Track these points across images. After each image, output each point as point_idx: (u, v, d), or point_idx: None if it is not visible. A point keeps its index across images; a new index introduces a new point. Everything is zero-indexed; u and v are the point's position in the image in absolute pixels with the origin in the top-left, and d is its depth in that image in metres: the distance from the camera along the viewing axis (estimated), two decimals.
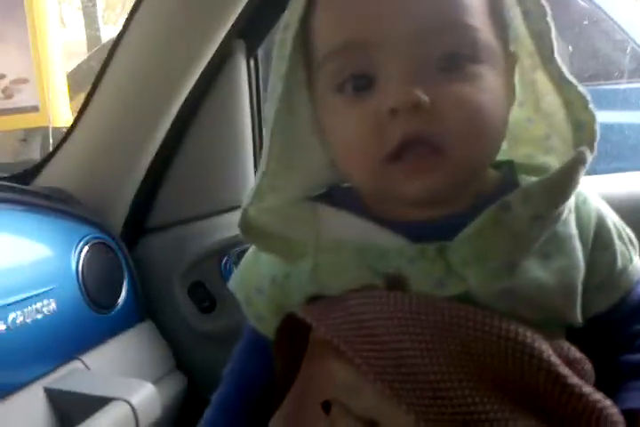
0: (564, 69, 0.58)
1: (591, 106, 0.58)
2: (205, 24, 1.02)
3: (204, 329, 1.17)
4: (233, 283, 0.74)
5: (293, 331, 0.65)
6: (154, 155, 1.14)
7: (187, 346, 1.18)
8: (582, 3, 2.97)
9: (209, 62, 1.07)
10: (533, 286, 0.57)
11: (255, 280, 0.70)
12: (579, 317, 0.60)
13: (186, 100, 1.10)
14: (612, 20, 3.00)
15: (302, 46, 0.62)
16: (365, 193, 0.64)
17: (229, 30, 1.04)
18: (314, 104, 0.64)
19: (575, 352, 0.57)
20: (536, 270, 0.58)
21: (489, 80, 0.57)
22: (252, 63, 1.15)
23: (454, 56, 0.55)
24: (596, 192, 0.66)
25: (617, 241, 0.63)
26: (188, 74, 1.06)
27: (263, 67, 1.20)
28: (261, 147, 1.18)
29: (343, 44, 0.57)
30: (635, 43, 2.97)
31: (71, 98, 3.97)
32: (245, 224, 0.64)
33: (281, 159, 0.63)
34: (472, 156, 0.57)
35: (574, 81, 0.59)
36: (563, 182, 0.57)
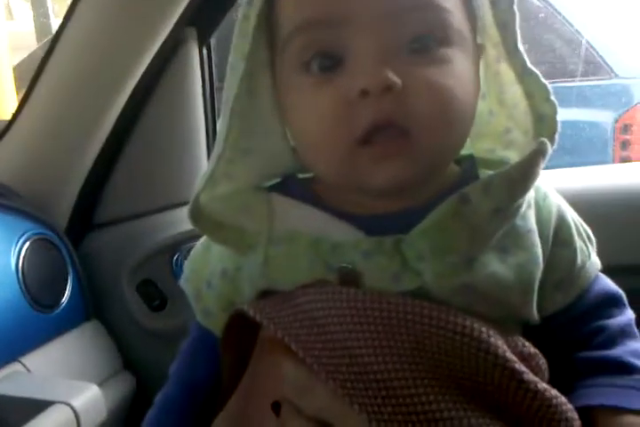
0: (527, 60, 0.57)
1: (552, 97, 0.57)
2: (155, 11, 0.98)
3: (153, 328, 1.13)
4: (182, 277, 0.71)
5: (242, 328, 0.63)
6: (101, 147, 1.10)
7: (135, 345, 1.14)
8: (536, 2, 3.02)
9: (160, 50, 1.03)
10: (491, 282, 0.56)
11: (205, 273, 0.67)
12: (535, 314, 0.59)
13: (136, 89, 1.07)
14: (565, 20, 3.06)
15: (266, 24, 0.58)
16: (328, 182, 0.61)
17: (180, 18, 1.00)
18: (277, 86, 0.60)
19: (530, 348, 0.56)
20: (494, 265, 0.56)
21: (459, 65, 0.55)
22: (204, 51, 1.11)
23: (425, 37, 0.53)
24: (551, 186, 0.65)
25: (576, 238, 0.63)
26: (137, 63, 1.02)
27: (216, 55, 1.16)
28: (215, 138, 1.16)
29: (310, 19, 0.54)
30: (588, 43, 3.03)
31: (18, 91, 3.87)
32: (196, 212, 0.61)
33: (237, 145, 0.60)
34: (441, 142, 0.55)
35: (536, 72, 0.57)
36: (523, 174, 0.56)
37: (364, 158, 0.54)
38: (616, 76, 3.08)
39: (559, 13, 3.09)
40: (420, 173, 0.55)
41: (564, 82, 3.15)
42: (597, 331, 0.60)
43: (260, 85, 0.60)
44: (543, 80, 0.58)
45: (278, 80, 0.59)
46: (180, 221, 1.12)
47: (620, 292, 0.64)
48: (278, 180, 0.67)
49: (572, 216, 0.64)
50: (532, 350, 0.56)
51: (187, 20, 1.02)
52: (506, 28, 0.57)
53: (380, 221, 0.58)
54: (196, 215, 0.61)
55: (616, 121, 3.04)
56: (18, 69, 4.09)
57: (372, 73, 0.51)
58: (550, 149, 0.56)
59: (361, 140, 0.53)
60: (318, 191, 0.62)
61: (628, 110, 3.07)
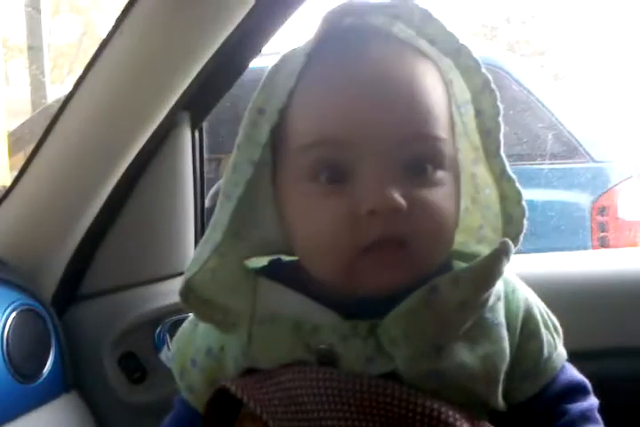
0: (507, 165, 0.63)
1: (523, 202, 0.63)
2: (154, 95, 1.04)
3: (133, 401, 1.13)
4: (169, 354, 0.74)
5: (224, 404, 0.65)
6: (92, 221, 1.13)
7: (114, 418, 1.14)
8: (514, 86, 3.16)
9: (154, 132, 1.08)
10: (459, 370, 0.59)
11: (191, 352, 0.70)
12: (500, 402, 0.62)
13: (129, 167, 1.11)
14: (545, 107, 3.19)
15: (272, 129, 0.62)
16: (322, 280, 0.64)
17: (176, 102, 1.06)
18: (277, 187, 0.64)
19: None
20: (462, 355, 0.60)
21: (449, 186, 0.61)
22: (196, 134, 1.17)
23: (423, 164, 0.60)
24: (516, 271, 0.69)
25: (543, 330, 0.66)
26: (133, 141, 1.07)
27: (208, 138, 1.22)
28: (202, 217, 1.20)
29: (324, 138, 0.59)
30: (562, 125, 3.16)
31: (11, 156, 3.93)
32: (186, 290, 0.64)
33: (229, 228, 0.63)
34: (435, 253, 0.61)
35: (514, 177, 0.63)
36: (487, 270, 0.60)
37: (365, 266, 0.59)
38: (592, 160, 3.20)
39: (539, 101, 3.24)
40: (414, 279, 0.60)
41: (545, 164, 3.27)
42: (559, 415, 0.63)
43: (259, 181, 0.64)
44: (518, 185, 0.63)
45: (282, 180, 0.64)
46: (163, 294, 1.14)
47: (585, 381, 0.67)
48: (264, 262, 0.70)
49: (540, 308, 0.68)
50: None
51: (182, 104, 1.07)
52: (489, 134, 0.63)
53: (356, 305, 0.62)
54: (185, 293, 0.64)
55: (593, 203, 3.14)
56: (12, 136, 4.17)
57: (380, 195, 0.57)
58: (512, 250, 0.61)
59: (364, 250, 0.58)
60: (302, 275, 0.66)
61: (604, 193, 3.17)
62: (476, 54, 0.63)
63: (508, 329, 0.63)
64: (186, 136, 1.14)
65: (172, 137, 1.12)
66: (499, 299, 0.64)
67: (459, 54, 0.62)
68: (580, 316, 1.03)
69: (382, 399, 0.57)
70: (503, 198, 0.63)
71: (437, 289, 0.59)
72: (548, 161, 3.23)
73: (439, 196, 0.60)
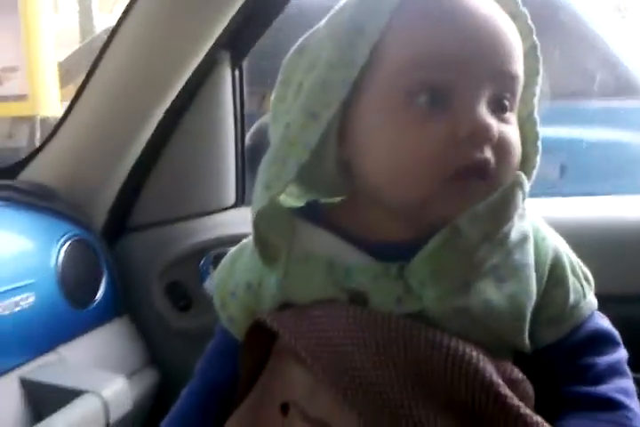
0: (535, 110, 0.66)
1: (539, 143, 0.66)
2: (194, 34, 1.06)
3: (179, 327, 1.21)
4: (212, 286, 0.78)
5: (261, 335, 0.69)
6: (138, 156, 1.18)
7: (162, 343, 1.22)
8: (571, 19, 3.03)
9: (195, 70, 1.11)
10: (485, 308, 0.61)
11: (231, 285, 0.74)
12: (527, 343, 0.64)
13: (172, 104, 1.14)
14: (598, 36, 3.06)
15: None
16: (392, 207, 0.64)
17: (215, 41, 1.07)
18: (350, 117, 0.63)
19: (519, 374, 0.61)
20: (489, 292, 0.62)
21: (515, 126, 0.64)
22: (236, 73, 1.18)
23: (503, 100, 0.62)
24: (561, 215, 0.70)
25: (571, 278, 0.67)
26: (175, 79, 1.10)
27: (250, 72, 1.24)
28: (242, 155, 1.23)
29: (429, 57, 0.59)
30: (620, 61, 3.03)
31: (62, 87, 3.97)
32: (259, 213, 0.65)
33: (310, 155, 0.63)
34: (504, 184, 0.63)
35: (536, 119, 0.66)
36: (503, 204, 0.62)
37: (449, 192, 0.60)
38: None
39: (597, 34, 3.10)
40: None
41: (600, 102, 3.16)
42: (586, 367, 0.64)
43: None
44: (538, 128, 0.66)
45: (363, 109, 0.62)
46: (207, 228, 1.20)
47: (614, 332, 0.68)
48: (301, 203, 0.73)
49: (570, 257, 0.69)
50: (521, 376, 0.61)
51: (221, 43, 1.09)
52: (526, 89, 0.65)
53: (386, 248, 0.64)
54: (258, 217, 0.65)
55: None
56: (62, 67, 4.20)
57: (483, 121, 0.59)
58: (527, 183, 0.64)
59: (454, 175, 0.59)
60: (337, 217, 0.68)
61: None
62: (530, 22, 0.66)
63: (536, 274, 0.65)
64: (226, 75, 1.16)
65: (212, 76, 1.14)
66: (526, 240, 0.65)
67: (517, 19, 0.65)
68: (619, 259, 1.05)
69: (409, 338, 0.60)
70: (524, 139, 0.65)
71: (458, 228, 0.61)
72: (603, 98, 3.12)
73: (514, 134, 0.62)
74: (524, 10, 0.66)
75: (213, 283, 0.77)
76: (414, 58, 0.59)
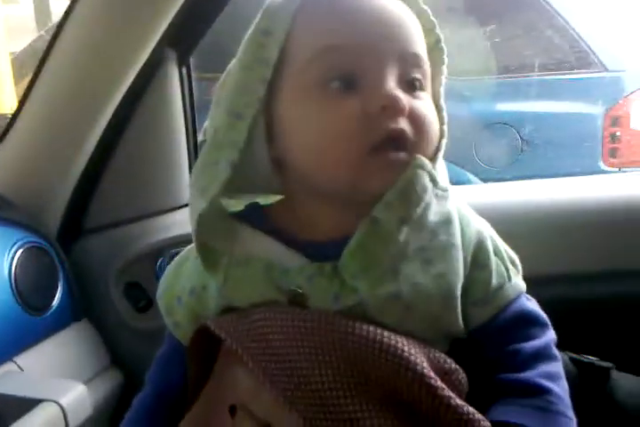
0: (442, 98, 0.71)
1: (445, 126, 0.69)
2: (136, 34, 1.05)
3: (139, 327, 1.21)
4: (158, 292, 0.79)
5: (206, 341, 0.70)
6: (89, 157, 1.17)
7: (123, 343, 1.22)
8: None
9: (142, 69, 1.10)
10: (415, 291, 0.64)
11: (176, 290, 0.75)
12: (460, 325, 0.67)
13: (120, 104, 1.13)
14: (557, 13, 3.09)
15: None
16: (324, 188, 0.66)
17: (160, 39, 1.06)
18: (272, 110, 0.66)
19: (452, 364, 0.63)
20: (417, 276, 0.65)
21: (430, 104, 0.68)
22: (184, 71, 1.17)
23: (415, 81, 0.66)
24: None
25: (494, 260, 0.69)
26: (121, 78, 1.09)
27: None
28: (196, 151, 1.23)
29: (335, 44, 0.64)
30: (576, 33, 3.07)
31: (17, 83, 3.84)
32: (198, 220, 0.67)
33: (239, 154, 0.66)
34: (426, 155, 0.66)
35: (444, 106, 0.70)
36: (410, 187, 0.64)
37: (373, 164, 0.63)
38: (606, 69, 3.11)
39: (551, 6, 3.12)
40: None
41: (557, 74, 3.20)
42: (514, 353, 0.66)
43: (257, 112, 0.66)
44: (445, 113, 0.70)
45: (280, 103, 0.66)
46: (163, 227, 1.20)
47: (542, 314, 0.70)
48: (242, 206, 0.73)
49: (495, 241, 0.71)
50: (454, 366, 0.63)
51: (166, 41, 1.08)
52: (434, 80, 0.70)
53: (323, 246, 0.67)
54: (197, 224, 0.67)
55: (605, 114, 3.09)
56: (17, 60, 4.08)
57: (391, 95, 0.63)
58: (428, 164, 0.66)
59: (373, 149, 0.63)
60: (275, 219, 0.70)
61: (617, 103, 3.11)
62: (433, 17, 0.71)
63: (462, 256, 0.67)
64: (173, 73, 1.15)
65: (159, 74, 1.13)
66: (450, 222, 0.68)
67: (420, 16, 0.70)
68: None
69: (344, 336, 0.61)
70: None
71: (376, 218, 0.64)
72: (559, 71, 3.16)
73: (427, 108, 0.66)
74: (426, 7, 0.70)
75: (159, 290, 0.79)
76: (320, 49, 0.64)
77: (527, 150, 3.03)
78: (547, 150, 3.05)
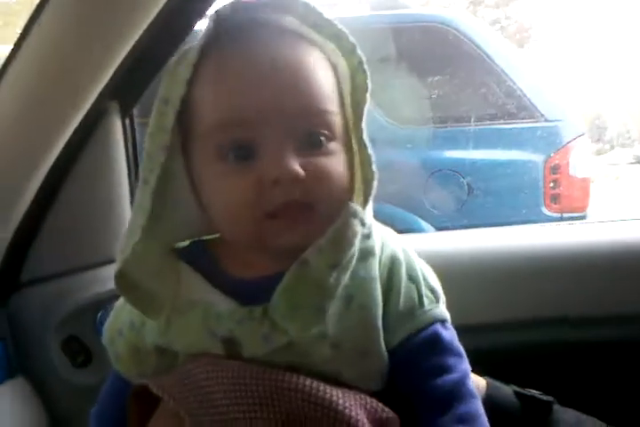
0: (365, 134, 0.70)
1: (374, 166, 0.70)
2: (76, 86, 1.04)
3: (78, 383, 1.17)
4: (105, 324, 0.80)
5: (146, 394, 0.70)
6: (27, 210, 1.14)
7: (61, 401, 1.18)
8: (465, 45, 3.18)
9: (83, 121, 1.09)
10: (339, 328, 0.66)
11: (119, 323, 0.77)
12: (384, 352, 0.68)
13: (61, 154, 1.12)
14: (493, 62, 3.22)
15: (178, 115, 0.68)
16: (237, 243, 0.71)
17: (102, 91, 1.06)
18: (191, 167, 0.70)
19: (388, 413, 0.65)
20: (340, 314, 0.67)
21: (340, 154, 0.69)
22: (127, 122, 1.18)
23: (318, 136, 0.67)
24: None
25: (404, 285, 0.70)
26: (60, 132, 1.07)
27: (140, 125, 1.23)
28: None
29: (225, 120, 0.66)
30: (514, 84, 3.20)
31: None
32: (118, 274, 0.69)
33: (152, 212, 0.69)
34: (332, 211, 0.68)
35: (368, 143, 0.70)
36: (342, 233, 0.67)
37: (272, 227, 0.65)
38: (544, 118, 3.24)
39: (491, 60, 3.26)
40: (317, 233, 0.66)
41: (497, 124, 3.32)
42: (428, 390, 0.67)
43: (174, 165, 0.70)
44: (370, 151, 0.70)
45: (194, 163, 0.70)
46: (104, 279, 1.17)
47: (457, 344, 0.71)
48: (186, 241, 0.76)
49: (414, 269, 0.72)
50: (391, 415, 0.65)
51: (109, 93, 1.08)
52: (357, 106, 0.70)
53: (256, 285, 0.69)
54: (117, 278, 0.69)
55: (545, 162, 3.20)
56: None
57: (281, 166, 0.64)
58: (361, 210, 0.68)
59: (270, 215, 0.65)
60: (216, 254, 0.73)
61: (556, 151, 3.23)
62: (352, 38, 0.70)
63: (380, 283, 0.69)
64: (116, 124, 1.15)
65: (101, 126, 1.13)
66: (372, 256, 0.70)
67: (339, 38, 0.70)
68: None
69: (280, 391, 0.62)
70: (362, 163, 0.70)
71: (307, 261, 0.66)
72: (500, 121, 3.27)
73: (333, 163, 0.67)
74: (344, 28, 0.70)
75: (105, 323, 0.80)
76: (215, 121, 0.66)
77: (472, 197, 3.11)
78: (490, 197, 3.14)
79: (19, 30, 1.04)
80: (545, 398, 0.82)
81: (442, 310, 0.72)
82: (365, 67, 0.70)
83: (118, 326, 0.77)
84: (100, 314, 1.17)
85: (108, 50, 1.02)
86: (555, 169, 3.21)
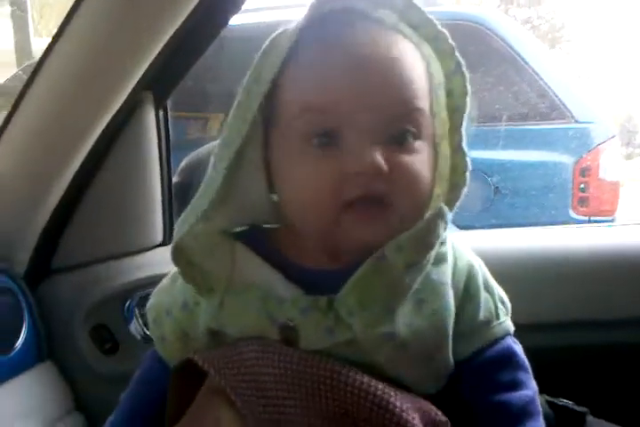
0: (464, 140, 0.68)
1: (468, 173, 0.68)
2: (114, 76, 1.05)
3: (105, 371, 1.18)
4: (148, 304, 0.79)
5: (191, 372, 0.70)
6: (61, 197, 1.16)
7: (87, 387, 1.19)
8: (498, 45, 3.15)
9: (118, 111, 1.10)
10: (410, 331, 0.65)
11: (167, 303, 0.75)
12: (452, 363, 0.67)
13: (96, 144, 1.13)
14: (526, 63, 3.18)
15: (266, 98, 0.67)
16: (311, 237, 0.69)
17: (138, 82, 1.07)
18: (272, 151, 0.69)
19: (441, 416, 0.63)
20: (411, 316, 0.65)
21: (425, 154, 0.67)
22: (160, 113, 1.18)
23: (404, 133, 0.65)
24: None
25: (483, 295, 0.70)
26: (96, 122, 1.09)
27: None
28: (169, 193, 1.23)
29: (313, 106, 0.64)
30: (546, 85, 3.16)
31: None
32: (175, 249, 0.68)
33: (219, 193, 0.68)
34: (410, 211, 0.66)
35: (466, 151, 0.68)
36: (426, 234, 0.65)
37: (347, 220, 0.64)
38: (575, 120, 3.20)
39: (524, 61, 3.23)
40: (392, 236, 0.65)
41: (527, 125, 3.29)
42: (501, 407, 0.66)
43: (249, 151, 0.68)
44: (468, 158, 0.68)
45: (273, 148, 0.69)
46: (133, 268, 1.19)
47: (524, 359, 0.70)
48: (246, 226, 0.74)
49: (487, 278, 0.72)
50: (444, 418, 0.63)
51: (143, 84, 1.09)
52: (455, 112, 0.68)
53: (321, 275, 0.67)
54: (174, 253, 0.69)
55: (575, 164, 3.16)
56: None
57: (367, 158, 0.63)
58: (449, 214, 0.67)
59: (346, 204, 0.64)
60: (277, 243, 0.71)
61: (586, 154, 3.19)
62: (451, 40, 0.68)
63: (453, 292, 0.68)
64: (150, 115, 1.16)
65: (135, 116, 1.14)
66: (445, 261, 0.69)
67: (436, 40, 0.68)
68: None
69: (336, 384, 0.61)
70: (453, 169, 0.69)
71: (384, 256, 0.65)
72: (530, 122, 3.24)
73: (416, 162, 0.65)
74: (444, 30, 0.69)
75: (150, 301, 0.78)
76: (303, 105, 0.65)
77: (499, 197, 3.09)
78: (517, 197, 3.10)
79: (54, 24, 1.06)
80: (578, 408, 0.81)
81: (510, 323, 0.72)
82: (464, 70, 0.68)
83: (166, 306, 0.75)
84: (127, 303, 1.19)
85: (146, 41, 1.03)
86: (584, 171, 3.17)
